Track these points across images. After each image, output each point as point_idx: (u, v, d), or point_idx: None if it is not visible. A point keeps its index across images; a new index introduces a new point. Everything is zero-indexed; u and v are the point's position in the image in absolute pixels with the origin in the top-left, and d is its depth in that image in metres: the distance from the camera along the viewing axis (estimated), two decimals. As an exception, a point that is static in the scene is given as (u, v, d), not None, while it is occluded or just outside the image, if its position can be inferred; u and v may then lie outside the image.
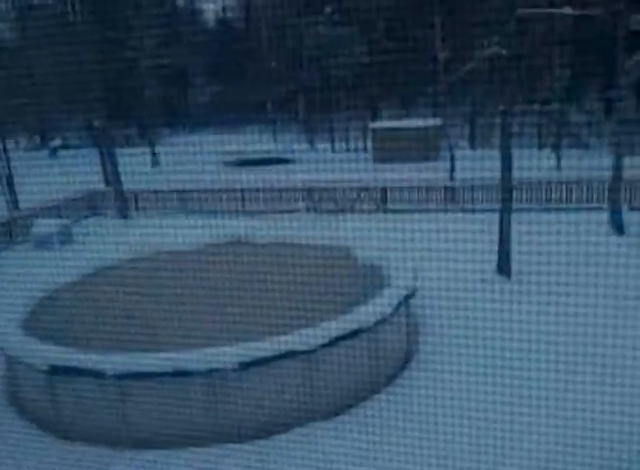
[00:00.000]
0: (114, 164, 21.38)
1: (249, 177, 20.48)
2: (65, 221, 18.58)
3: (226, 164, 30.36)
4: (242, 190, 21.17)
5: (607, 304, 8.12)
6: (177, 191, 21.53)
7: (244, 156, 30.55)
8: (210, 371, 7.45)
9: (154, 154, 32.54)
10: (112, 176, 21.91)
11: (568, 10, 17.29)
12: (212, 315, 9.14)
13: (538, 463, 6.59)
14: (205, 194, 21.39)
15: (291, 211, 20.09)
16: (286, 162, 30.25)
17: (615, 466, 6.47)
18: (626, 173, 15.79)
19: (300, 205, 20.36)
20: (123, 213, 21.13)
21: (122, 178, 21.21)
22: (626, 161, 15.55)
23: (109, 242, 12.89)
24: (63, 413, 8.08)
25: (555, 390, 7.28)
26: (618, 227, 15.24)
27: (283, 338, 7.66)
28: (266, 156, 31.10)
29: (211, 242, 11.97)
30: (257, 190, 21.04)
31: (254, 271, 10.38)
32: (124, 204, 21.38)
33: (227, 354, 7.39)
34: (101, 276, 10.95)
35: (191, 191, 21.43)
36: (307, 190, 20.38)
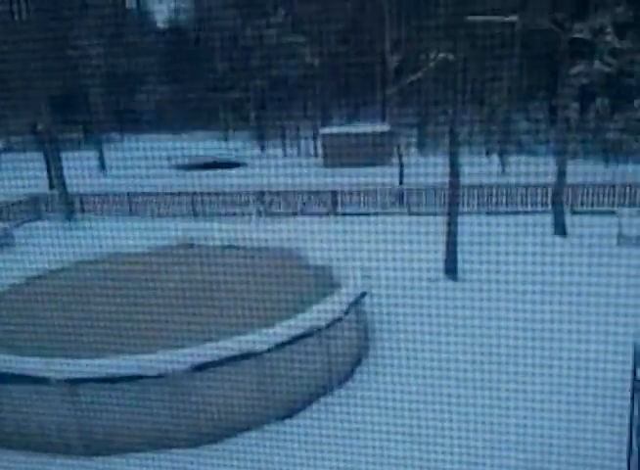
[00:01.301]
0: (59, 168, 20.84)
1: (198, 181, 20.29)
2: (5, 225, 18.06)
3: (176, 167, 30.00)
4: (192, 193, 20.95)
5: (552, 300, 8.36)
6: (125, 194, 21.14)
7: (194, 159, 30.25)
8: (162, 375, 7.32)
9: (101, 157, 31.89)
10: (56, 180, 21.35)
11: (513, 18, 17.79)
12: (162, 319, 8.99)
13: (485, 460, 6.71)
14: (153, 197, 21.08)
15: (242, 215, 20.00)
16: (236, 165, 30.10)
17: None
18: (569, 178, 16.32)
19: (251, 208, 20.28)
20: (68, 217, 20.62)
21: (68, 182, 20.69)
22: (569, 166, 16.09)
23: (52, 245, 12.55)
24: (5, 422, 7.82)
25: (506, 390, 7.44)
26: (561, 229, 15.72)
27: (234, 340, 7.60)
28: (216, 159, 30.87)
29: (160, 245, 11.80)
30: (208, 193, 20.85)
31: (204, 274, 10.27)
32: (69, 207, 20.87)
33: (179, 358, 7.28)
34: (43, 280, 10.66)
35: (139, 194, 21.08)
36: (258, 193, 20.31)
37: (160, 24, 43.28)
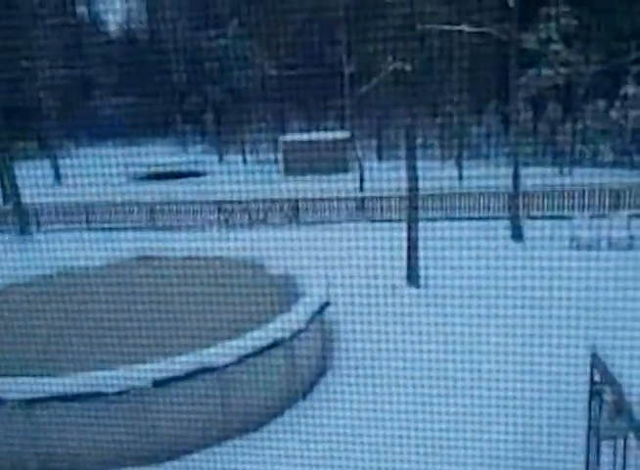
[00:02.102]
0: (12, 178, 20.32)
1: (157, 191, 20.06)
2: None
3: (134, 177, 29.59)
4: (149, 204, 20.67)
5: (511, 303, 8.51)
6: (81, 205, 20.74)
7: (151, 169, 29.88)
8: (122, 392, 7.18)
9: (56, 167, 31.22)
10: (9, 191, 20.80)
11: (465, 27, 18.12)
12: (122, 334, 8.83)
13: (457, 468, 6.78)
14: (111, 208, 20.73)
15: (201, 225, 19.82)
16: (196, 175, 29.84)
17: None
18: (525, 184, 16.69)
19: (211, 218, 20.12)
20: (23, 230, 20.10)
21: (21, 193, 20.18)
22: (525, 172, 16.45)
23: (5, 260, 12.21)
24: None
25: (470, 396, 7.53)
26: (518, 234, 16.05)
27: (196, 354, 7.51)
28: (175, 169, 30.56)
29: (117, 258, 11.60)
30: (166, 204, 20.60)
31: (164, 287, 10.13)
32: (23, 219, 20.34)
33: (139, 374, 7.15)
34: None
35: (96, 205, 20.70)
36: (218, 203, 20.16)
37: (114, 33, 42.72)
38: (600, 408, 6.03)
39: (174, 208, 20.53)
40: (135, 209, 20.72)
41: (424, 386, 7.86)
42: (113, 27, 41.93)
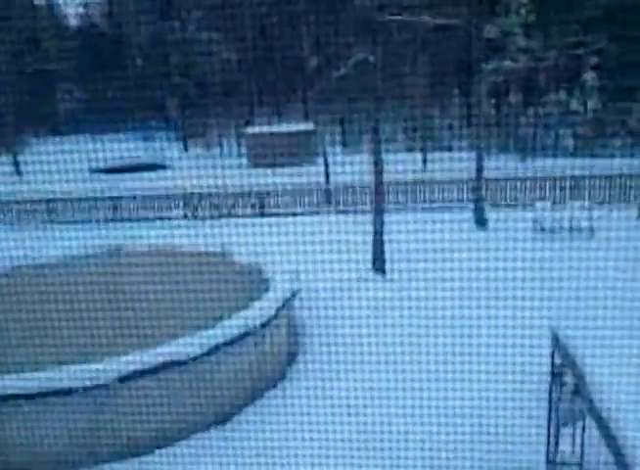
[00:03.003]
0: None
1: (121, 183, 19.80)
2: None
3: (97, 170, 29.10)
4: (113, 197, 20.41)
5: (476, 291, 8.68)
6: (43, 201, 20.37)
7: (114, 162, 29.44)
8: (88, 387, 7.13)
9: (16, 162, 30.55)
10: (-32, 187, 20.33)
11: (427, 18, 18.27)
12: (89, 329, 8.77)
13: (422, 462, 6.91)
14: (73, 202, 20.41)
15: (168, 218, 19.67)
16: (160, 167, 29.52)
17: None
18: (488, 173, 16.97)
19: (177, 211, 19.98)
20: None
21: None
22: (488, 161, 16.72)
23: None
24: None
25: (435, 380, 7.68)
26: (482, 223, 16.34)
27: (165, 347, 7.50)
28: (139, 162, 30.17)
29: (83, 253, 11.46)
30: (130, 197, 20.38)
31: (132, 281, 10.06)
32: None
33: (106, 369, 7.12)
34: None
35: (58, 200, 20.35)
36: (183, 196, 20.03)
37: (73, 22, 41.85)
38: (560, 390, 6.24)
39: (139, 200, 20.32)
40: (98, 202, 20.45)
41: (391, 371, 8.00)
42: (72, 18, 41.08)
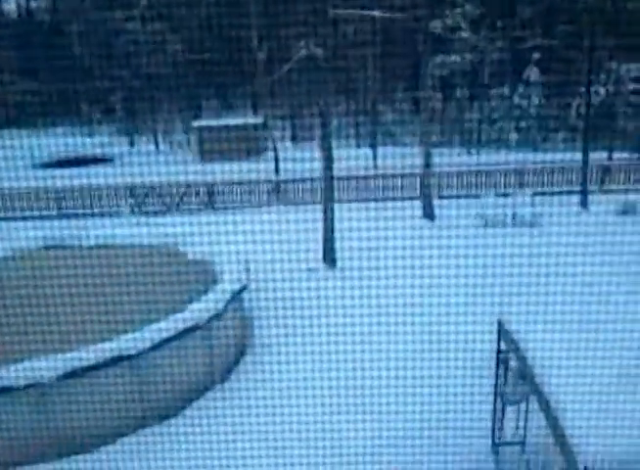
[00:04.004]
0: None
1: (65, 176, 19.27)
2: None
3: (40, 163, 28.25)
4: (57, 191, 19.84)
5: (424, 281, 8.80)
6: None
7: (57, 156, 28.63)
8: (30, 385, 6.93)
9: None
10: None
11: (376, 13, 18.38)
12: (30, 327, 8.51)
13: (372, 457, 6.99)
14: (15, 196, 19.75)
15: (115, 212, 19.26)
16: (105, 161, 28.85)
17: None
18: (435, 166, 17.23)
19: (124, 205, 19.58)
20: None
21: None
22: (435, 154, 16.97)
23: None
24: None
25: (385, 368, 7.77)
26: (430, 214, 16.58)
27: (110, 343, 7.36)
28: (84, 154, 29.40)
29: (25, 247, 11.12)
30: (76, 190, 19.83)
31: (78, 276, 9.82)
32: None
33: (48, 365, 6.93)
34: None
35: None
36: (130, 190, 19.64)
37: (12, 12, 40.41)
38: (505, 374, 6.41)
39: (84, 194, 19.82)
40: (42, 196, 19.85)
41: (341, 361, 8.06)
42: (9, 6, 39.64)
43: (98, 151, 30.27)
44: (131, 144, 34.10)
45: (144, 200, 19.65)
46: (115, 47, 31.80)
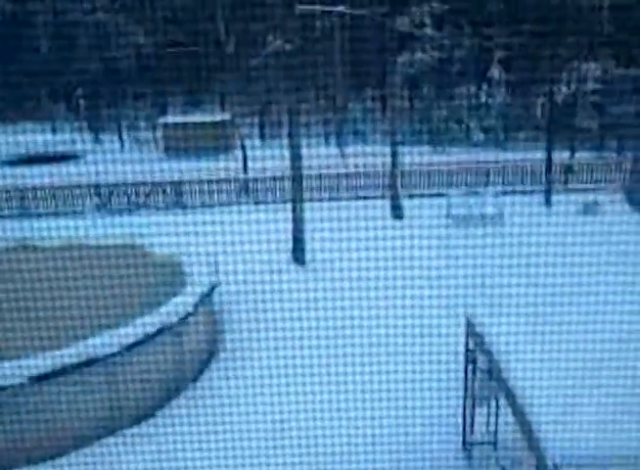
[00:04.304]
0: None
1: (28, 175, 18.85)
2: None
3: (2, 161, 27.59)
4: (20, 190, 19.41)
5: (393, 280, 8.88)
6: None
7: (22, 151, 27.99)
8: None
9: None
10: None
11: (342, 8, 18.42)
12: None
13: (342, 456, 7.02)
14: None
15: (80, 211, 18.94)
16: (70, 158, 28.30)
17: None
18: (402, 162, 17.35)
19: (89, 202, 19.25)
20: None
21: None
22: (403, 152, 17.10)
23: None
24: None
25: (351, 364, 7.81)
26: (398, 213, 16.71)
27: (79, 346, 7.25)
28: (48, 151, 28.79)
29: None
30: (40, 188, 19.43)
31: (41, 279, 9.62)
32: None
33: (18, 370, 6.81)
34: None
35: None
36: (95, 187, 19.31)
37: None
38: (474, 373, 6.51)
39: (48, 192, 19.43)
40: (3, 195, 19.40)
41: (312, 356, 8.09)
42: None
43: (62, 148, 29.67)
44: (96, 141, 33.53)
45: (109, 198, 19.35)
46: (79, 40, 31.21)
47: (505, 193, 18.16)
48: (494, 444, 6.71)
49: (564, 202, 16.82)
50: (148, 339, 7.72)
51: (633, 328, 5.64)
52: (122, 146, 31.96)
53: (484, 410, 6.61)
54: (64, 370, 7.01)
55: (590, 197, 16.93)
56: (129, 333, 7.59)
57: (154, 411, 7.96)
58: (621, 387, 4.80)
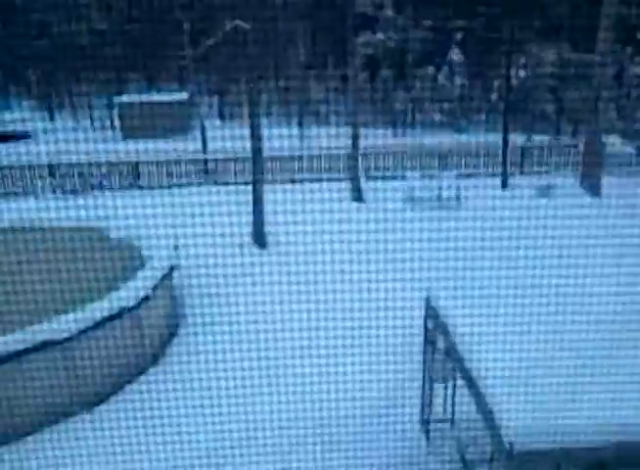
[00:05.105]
0: None
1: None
2: None
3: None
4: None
5: (353, 261, 8.94)
6: None
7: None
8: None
9: None
10: None
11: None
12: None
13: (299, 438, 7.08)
14: None
15: (31, 192, 18.46)
16: (23, 138, 27.47)
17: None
18: (361, 146, 17.38)
19: (43, 183, 18.77)
20: None
21: None
22: (363, 134, 17.12)
23: None
24: None
25: (316, 347, 7.86)
26: (358, 195, 16.77)
27: (34, 329, 7.11)
28: (1, 131, 27.88)
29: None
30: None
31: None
32: None
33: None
34: None
35: None
36: (50, 167, 18.82)
37: None
38: (433, 353, 6.63)
39: (1, 173, 18.85)
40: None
41: (271, 340, 8.13)
42: None
43: (15, 127, 28.76)
44: (51, 119, 32.61)
45: (64, 179, 18.89)
46: (32, 16, 30.20)
47: (462, 176, 18.42)
48: (451, 421, 6.87)
49: (519, 185, 17.15)
50: (104, 323, 7.62)
51: (586, 305, 5.81)
52: (78, 125, 31.17)
53: (443, 389, 6.75)
54: (13, 355, 6.87)
55: (544, 180, 17.29)
56: (85, 317, 7.47)
57: (111, 395, 7.89)
58: (575, 366, 4.95)
